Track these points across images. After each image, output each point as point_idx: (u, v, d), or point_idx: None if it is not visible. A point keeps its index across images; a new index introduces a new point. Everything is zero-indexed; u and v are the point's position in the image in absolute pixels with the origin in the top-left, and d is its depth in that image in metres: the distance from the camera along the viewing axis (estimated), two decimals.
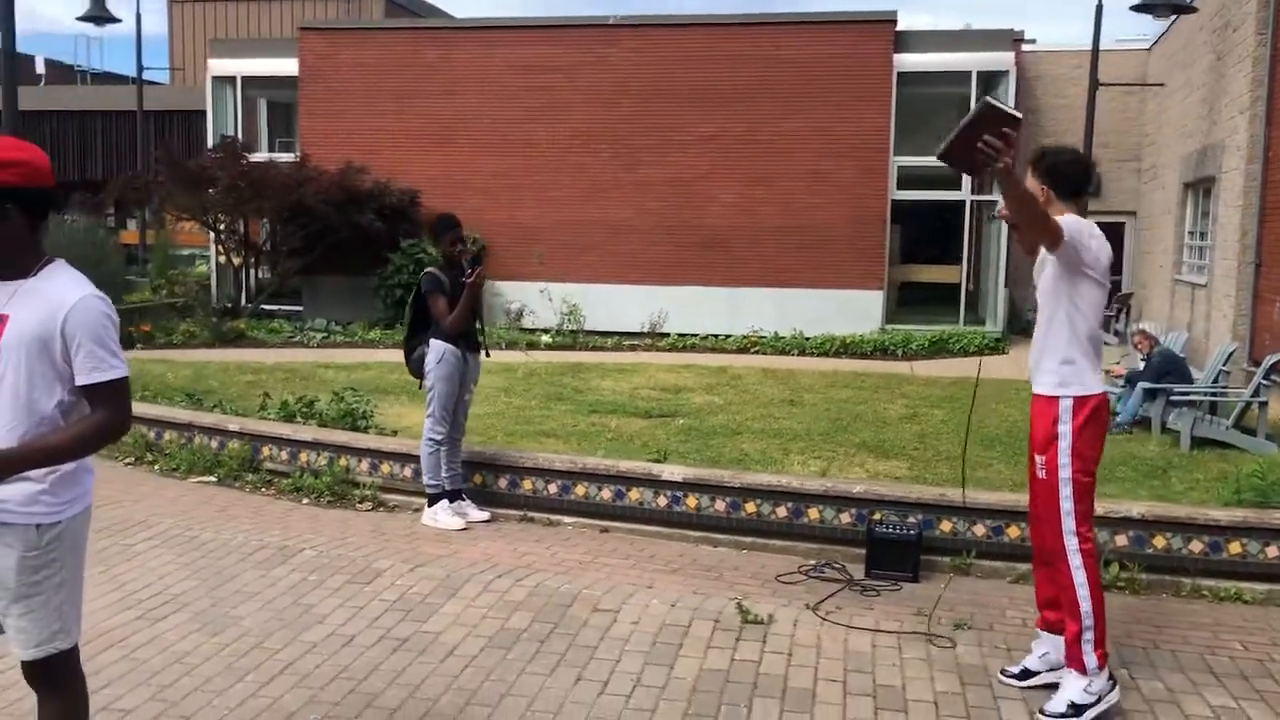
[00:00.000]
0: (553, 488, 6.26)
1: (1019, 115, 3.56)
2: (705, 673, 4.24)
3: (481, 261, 6.29)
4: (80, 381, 2.74)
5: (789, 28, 18.28)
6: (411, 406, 11.06)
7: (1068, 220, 3.78)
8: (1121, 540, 5.38)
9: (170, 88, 27.86)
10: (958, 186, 18.04)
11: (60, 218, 17.42)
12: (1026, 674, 4.19)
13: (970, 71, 17.83)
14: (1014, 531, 5.50)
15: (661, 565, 5.53)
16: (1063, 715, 3.81)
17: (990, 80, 17.78)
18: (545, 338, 17.29)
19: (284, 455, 6.97)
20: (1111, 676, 3.93)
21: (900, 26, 18.08)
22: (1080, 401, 3.83)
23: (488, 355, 6.38)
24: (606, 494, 6.14)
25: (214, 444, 7.21)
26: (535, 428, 9.93)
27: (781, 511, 5.81)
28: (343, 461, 6.76)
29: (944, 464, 8.25)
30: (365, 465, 6.70)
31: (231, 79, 20.16)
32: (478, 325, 6.32)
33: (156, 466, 7.32)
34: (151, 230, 21.89)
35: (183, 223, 20.81)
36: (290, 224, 18.14)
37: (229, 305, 18.94)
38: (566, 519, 6.21)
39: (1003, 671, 4.24)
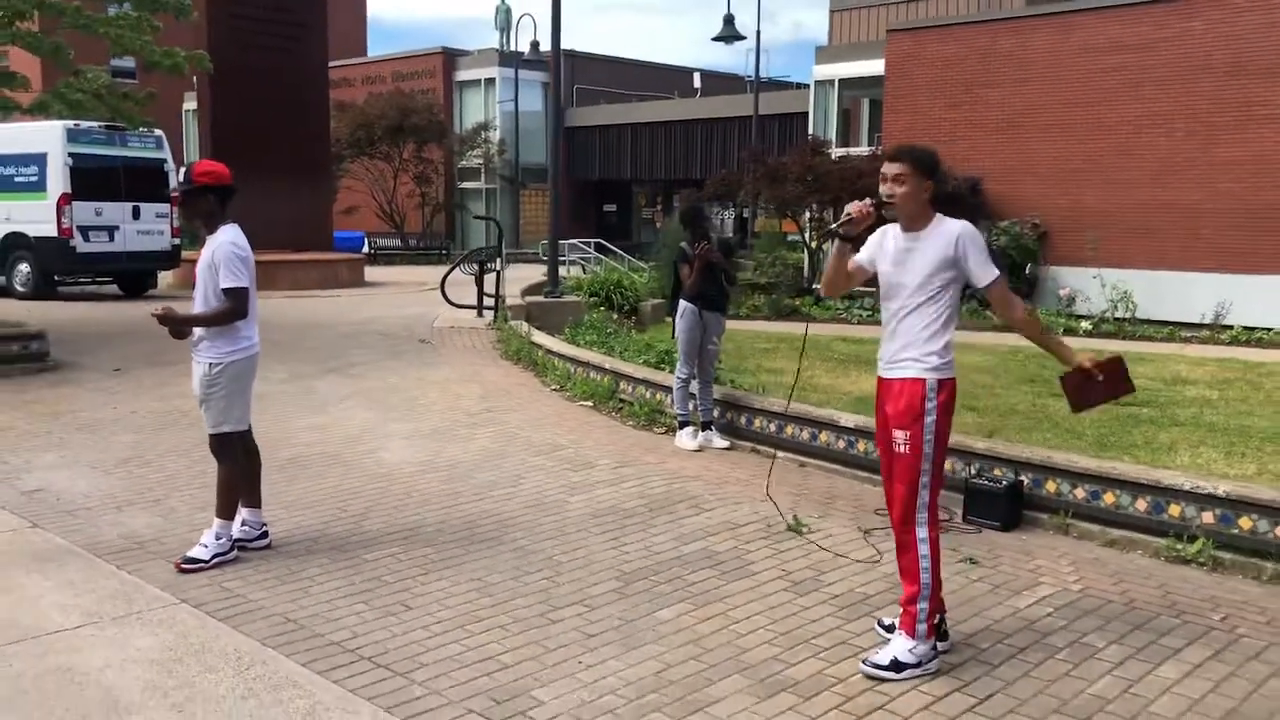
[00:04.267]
0: (772, 426, 7.53)
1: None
2: (701, 549, 5.47)
3: (710, 239, 7.70)
4: (220, 286, 5.08)
5: None
6: (838, 378, 12.46)
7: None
8: (1209, 518, 5.33)
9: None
10: None
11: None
12: (894, 630, 4.27)
13: None
14: (1110, 498, 5.67)
15: (798, 491, 6.61)
16: (884, 668, 4.04)
17: None
18: (1085, 324, 17.11)
19: (629, 389, 9.02)
20: (935, 649, 4.11)
21: None
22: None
23: (725, 314, 7.84)
24: (805, 435, 7.26)
25: (597, 377, 9.50)
26: (967, 403, 10.73)
27: None
28: (657, 396, 8.63)
29: None
30: (668, 400, 8.50)
31: (830, 82, 22.57)
32: (723, 290, 7.78)
33: (568, 392, 9.81)
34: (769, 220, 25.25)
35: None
36: None
37: (808, 285, 21.39)
38: (781, 453, 7.42)
39: (879, 622, 4.48)
